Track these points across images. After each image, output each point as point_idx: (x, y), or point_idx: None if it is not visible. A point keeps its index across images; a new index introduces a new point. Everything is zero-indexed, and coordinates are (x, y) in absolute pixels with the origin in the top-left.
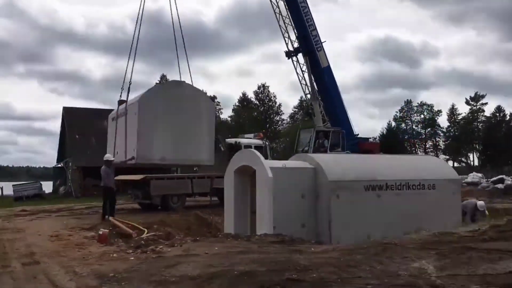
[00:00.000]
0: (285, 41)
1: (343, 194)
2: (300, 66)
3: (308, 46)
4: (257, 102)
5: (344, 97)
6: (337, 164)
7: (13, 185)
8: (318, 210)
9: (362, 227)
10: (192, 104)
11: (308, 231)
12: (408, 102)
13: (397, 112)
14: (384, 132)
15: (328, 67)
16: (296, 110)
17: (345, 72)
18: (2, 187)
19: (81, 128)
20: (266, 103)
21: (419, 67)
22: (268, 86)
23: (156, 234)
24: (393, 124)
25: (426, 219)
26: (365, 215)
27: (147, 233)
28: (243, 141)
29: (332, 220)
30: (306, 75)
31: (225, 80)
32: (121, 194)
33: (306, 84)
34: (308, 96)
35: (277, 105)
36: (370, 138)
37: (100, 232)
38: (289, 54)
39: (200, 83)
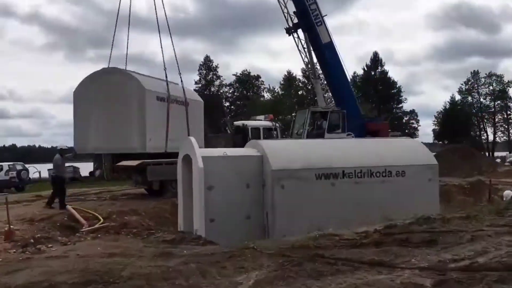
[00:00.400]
0: (285, 17)
1: (289, 184)
2: (301, 43)
3: (307, 21)
4: (305, 80)
5: (415, 69)
6: (287, 151)
7: (48, 169)
8: (264, 201)
9: (312, 219)
10: (120, 90)
11: (254, 223)
12: (475, 73)
13: (462, 84)
14: (447, 106)
15: (330, 43)
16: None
17: (415, 43)
18: (39, 171)
19: None
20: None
21: (498, 33)
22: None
23: (110, 225)
24: (458, 97)
25: (394, 209)
26: (317, 206)
27: (102, 222)
28: (250, 123)
29: (275, 213)
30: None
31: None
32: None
33: (308, 61)
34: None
35: None
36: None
37: (6, 228)
38: (289, 31)
39: (262, 61)
